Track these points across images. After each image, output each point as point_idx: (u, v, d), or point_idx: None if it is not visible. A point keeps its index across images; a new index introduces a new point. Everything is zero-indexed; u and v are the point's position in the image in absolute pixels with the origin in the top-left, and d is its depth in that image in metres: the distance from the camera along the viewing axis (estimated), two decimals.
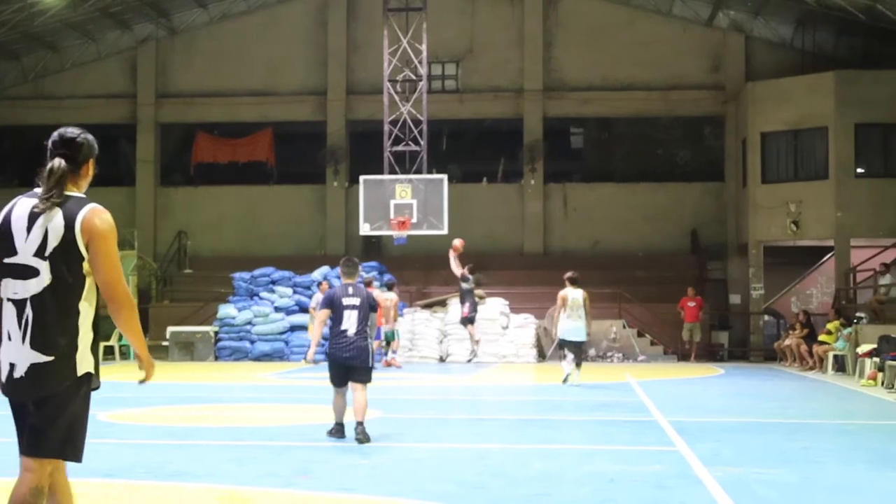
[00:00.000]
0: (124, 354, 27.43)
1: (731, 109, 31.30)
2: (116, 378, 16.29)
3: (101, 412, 13.39)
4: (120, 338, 27.57)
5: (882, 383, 18.61)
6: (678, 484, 8.36)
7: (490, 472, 8.81)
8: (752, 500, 7.66)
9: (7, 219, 4.88)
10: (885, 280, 25.80)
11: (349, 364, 10.62)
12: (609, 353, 27.97)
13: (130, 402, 14.51)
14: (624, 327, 28.43)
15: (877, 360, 19.47)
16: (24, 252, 4.80)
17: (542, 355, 27.41)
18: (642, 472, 8.87)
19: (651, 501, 7.69)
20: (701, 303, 28.15)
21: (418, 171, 26.94)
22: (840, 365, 22.82)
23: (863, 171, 28.25)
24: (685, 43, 31.98)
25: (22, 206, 4.90)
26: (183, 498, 7.80)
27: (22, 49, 32.66)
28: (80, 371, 4.85)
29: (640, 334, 28.56)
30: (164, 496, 7.87)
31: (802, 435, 11.88)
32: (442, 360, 26.18)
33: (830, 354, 23.16)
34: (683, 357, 27.93)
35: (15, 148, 35.10)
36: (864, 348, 20.70)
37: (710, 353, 28.53)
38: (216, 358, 27.03)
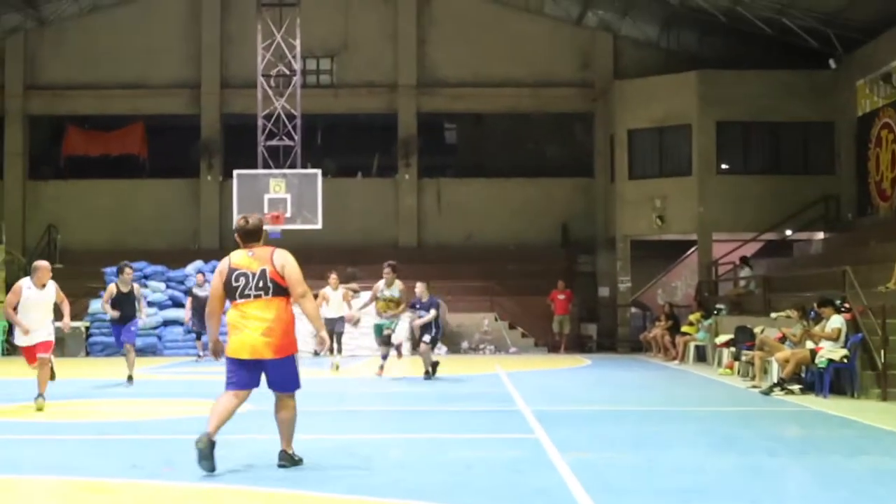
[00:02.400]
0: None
1: (599, 107, 32.07)
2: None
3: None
4: None
5: (738, 372, 19.43)
6: (532, 468, 8.78)
7: (350, 462, 9.10)
8: (599, 481, 8.10)
9: None
10: (744, 273, 26.82)
11: None
12: (481, 346, 28.49)
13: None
14: (496, 320, 29.01)
15: (733, 349, 20.30)
16: None
17: (415, 347, 27.71)
18: (499, 458, 9.26)
19: (505, 485, 8.08)
20: (570, 295, 28.87)
21: (292, 166, 27.05)
22: (701, 355, 23.69)
23: (724, 167, 29.27)
24: (555, 41, 32.64)
25: None
26: (45, 490, 7.91)
27: None
28: None
29: (511, 326, 29.17)
30: (26, 489, 7.96)
31: (655, 421, 12.45)
32: (316, 353, 26.32)
33: (692, 345, 24.02)
34: (553, 349, 28.61)
35: None
36: (722, 338, 21.53)
37: (579, 345, 29.27)
38: (87, 353, 26.76)
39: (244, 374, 8.43)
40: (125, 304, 17.25)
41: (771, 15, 26.30)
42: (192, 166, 32.74)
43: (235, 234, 8.73)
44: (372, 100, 32.85)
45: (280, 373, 8.50)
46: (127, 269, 17.74)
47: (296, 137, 27.37)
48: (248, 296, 8.40)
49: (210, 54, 32.78)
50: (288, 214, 25.61)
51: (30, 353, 13.30)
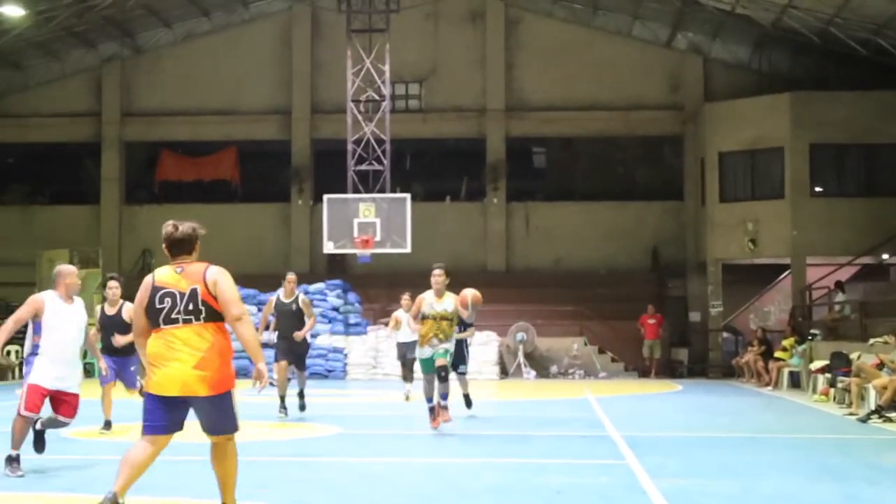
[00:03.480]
0: (88, 373, 27.46)
1: (689, 129, 31.80)
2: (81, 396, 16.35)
3: (65, 429, 13.56)
4: (85, 355, 27.61)
5: (833, 399, 19.04)
6: (623, 495, 8.68)
7: (443, 486, 9.09)
8: None
9: None
10: (839, 298, 26.31)
11: None
12: (570, 370, 28.33)
13: (93, 419, 14.66)
14: (585, 344, 28.83)
15: (829, 376, 19.90)
16: None
17: (504, 372, 27.73)
18: (590, 485, 9.18)
19: None
20: (661, 320, 28.58)
21: (381, 190, 27.22)
22: (795, 381, 23.26)
23: (818, 190, 28.81)
24: (644, 64, 32.48)
25: None
26: None
27: None
28: None
29: (600, 351, 28.96)
30: None
31: (749, 448, 12.23)
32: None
33: (785, 370, 23.61)
34: (643, 373, 28.34)
35: None
36: (816, 364, 21.12)
37: (669, 370, 28.96)
38: None
39: (167, 415, 6.85)
40: (111, 329, 12.97)
41: (866, 35, 25.86)
42: (283, 191, 33.15)
43: (163, 245, 7.24)
44: (460, 124, 32.97)
45: (217, 412, 6.88)
46: (111, 283, 13.33)
47: (385, 162, 27.55)
48: (176, 321, 6.86)
49: (301, 80, 33.21)
50: (377, 238, 25.77)
51: (52, 401, 9.70)
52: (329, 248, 26.40)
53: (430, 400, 13.26)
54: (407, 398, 18.57)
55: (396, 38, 28.72)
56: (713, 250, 29.91)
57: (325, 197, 26.87)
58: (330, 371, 27.13)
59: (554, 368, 28.42)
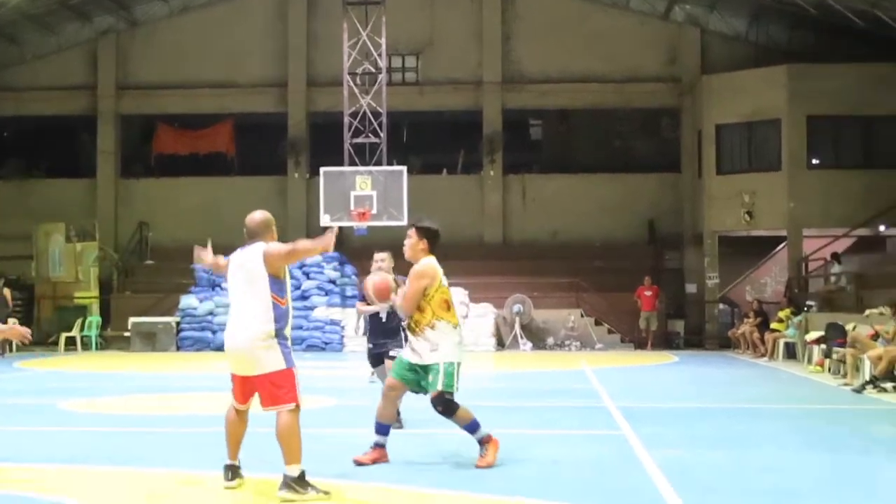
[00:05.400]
0: (85, 345, 27.56)
1: (686, 102, 31.74)
2: (76, 368, 16.50)
3: (61, 401, 13.65)
4: (82, 328, 27.73)
5: (828, 369, 19.12)
6: (619, 465, 8.75)
7: (436, 455, 9.15)
8: (686, 478, 8.03)
9: None
10: (835, 269, 26.36)
11: None
12: (567, 342, 28.39)
13: (89, 391, 14.73)
14: (582, 316, 28.89)
15: (824, 347, 19.97)
16: None
17: (500, 344, 27.81)
18: (586, 455, 9.24)
19: (591, 482, 8.06)
20: (657, 292, 28.62)
21: (378, 163, 27.20)
22: (791, 352, 23.33)
23: (815, 162, 28.81)
24: (642, 36, 32.38)
25: None
26: (142, 482, 8.07)
27: None
28: None
29: (597, 323, 29.01)
30: (124, 481, 8.14)
31: (745, 419, 12.29)
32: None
33: (781, 342, 23.67)
34: (640, 345, 28.40)
35: None
36: (812, 336, 21.18)
37: (666, 341, 29.01)
38: (178, 348, 27.27)
39: None
40: None
41: (864, 7, 25.78)
42: (280, 164, 33.11)
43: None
44: (457, 96, 32.89)
45: None
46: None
47: (381, 134, 27.51)
48: None
49: (296, 53, 33.11)
50: (374, 211, 25.79)
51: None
52: (325, 220, 26.38)
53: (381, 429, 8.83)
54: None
55: (392, 10, 28.62)
56: (710, 222, 29.92)
57: (322, 170, 26.87)
58: (327, 343, 27.21)
59: (550, 340, 28.48)
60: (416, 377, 8.65)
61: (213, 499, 7.50)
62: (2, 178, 33.65)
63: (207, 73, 33.14)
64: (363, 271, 29.44)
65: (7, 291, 25.31)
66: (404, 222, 25.83)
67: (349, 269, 28.51)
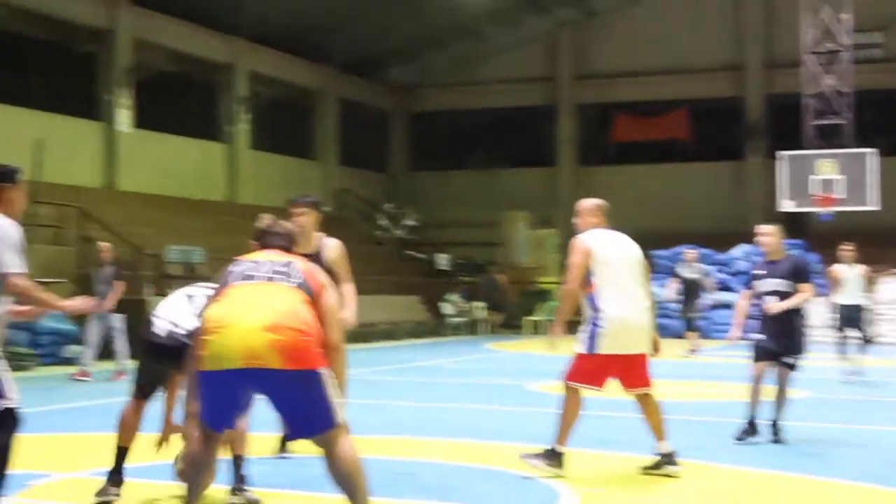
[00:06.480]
0: (545, 329, 28.47)
1: None
2: (541, 351, 16.93)
3: (531, 383, 14.21)
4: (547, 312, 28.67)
5: None
6: None
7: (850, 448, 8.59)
8: None
9: None
10: None
11: None
12: None
13: (554, 374, 15.16)
14: None
15: None
16: None
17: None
18: None
19: None
20: None
21: (842, 145, 26.02)
22: None
23: None
24: None
25: None
26: (608, 465, 8.20)
27: (449, 38, 34.54)
28: None
29: None
30: (594, 463, 8.30)
31: None
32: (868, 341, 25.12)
33: None
34: None
35: (444, 132, 37.18)
36: None
37: None
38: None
39: None
40: None
41: None
42: (736, 149, 32.54)
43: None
44: None
45: None
46: None
47: (846, 116, 26.26)
48: None
49: (754, 34, 32.40)
50: (840, 196, 24.71)
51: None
52: (788, 206, 25.63)
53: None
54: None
55: None
56: None
57: (782, 154, 26.09)
58: None
59: None
60: None
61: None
62: (471, 168, 35.56)
63: (662, 60, 33.22)
64: (828, 259, 28.30)
65: (502, 278, 26.52)
66: (874, 207, 24.57)
67: (812, 256, 27.43)
